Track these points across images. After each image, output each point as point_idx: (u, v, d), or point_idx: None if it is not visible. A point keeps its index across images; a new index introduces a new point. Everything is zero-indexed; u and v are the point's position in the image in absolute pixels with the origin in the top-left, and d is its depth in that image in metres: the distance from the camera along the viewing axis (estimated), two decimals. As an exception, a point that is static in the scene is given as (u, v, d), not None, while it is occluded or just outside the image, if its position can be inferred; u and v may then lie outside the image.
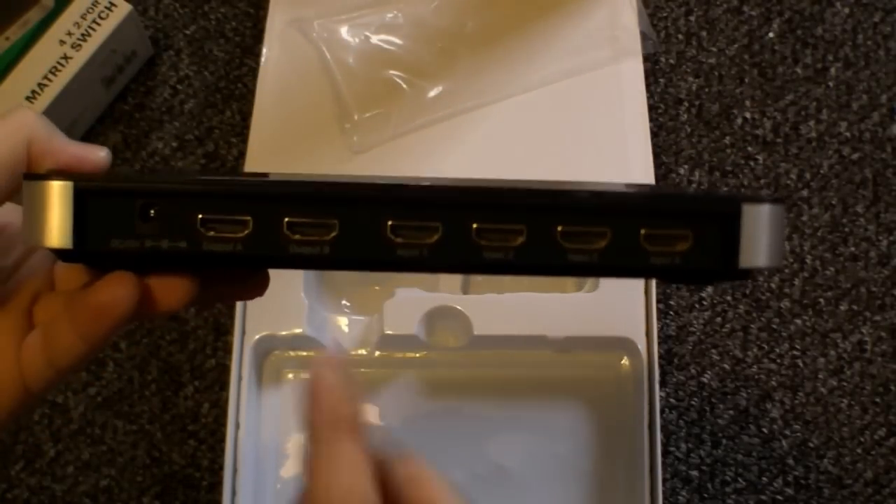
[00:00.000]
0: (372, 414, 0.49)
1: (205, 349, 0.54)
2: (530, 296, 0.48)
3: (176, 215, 0.28)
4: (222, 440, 0.47)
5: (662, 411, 0.52)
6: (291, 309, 0.48)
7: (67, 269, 0.31)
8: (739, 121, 0.58)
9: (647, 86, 0.55)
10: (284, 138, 0.52)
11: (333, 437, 0.29)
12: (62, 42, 0.55)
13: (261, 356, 0.48)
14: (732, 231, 0.29)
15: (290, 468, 0.48)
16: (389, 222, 0.28)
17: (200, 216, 0.28)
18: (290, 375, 0.49)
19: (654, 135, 0.57)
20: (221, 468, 0.47)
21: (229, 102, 0.59)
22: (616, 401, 0.48)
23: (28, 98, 0.54)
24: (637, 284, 0.48)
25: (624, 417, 0.48)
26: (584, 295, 0.49)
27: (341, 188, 0.29)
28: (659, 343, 0.49)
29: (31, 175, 0.29)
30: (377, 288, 0.51)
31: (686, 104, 0.59)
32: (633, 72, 0.53)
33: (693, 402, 0.53)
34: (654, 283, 0.49)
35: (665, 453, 0.52)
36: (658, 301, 0.52)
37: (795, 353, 0.54)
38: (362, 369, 0.49)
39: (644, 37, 0.55)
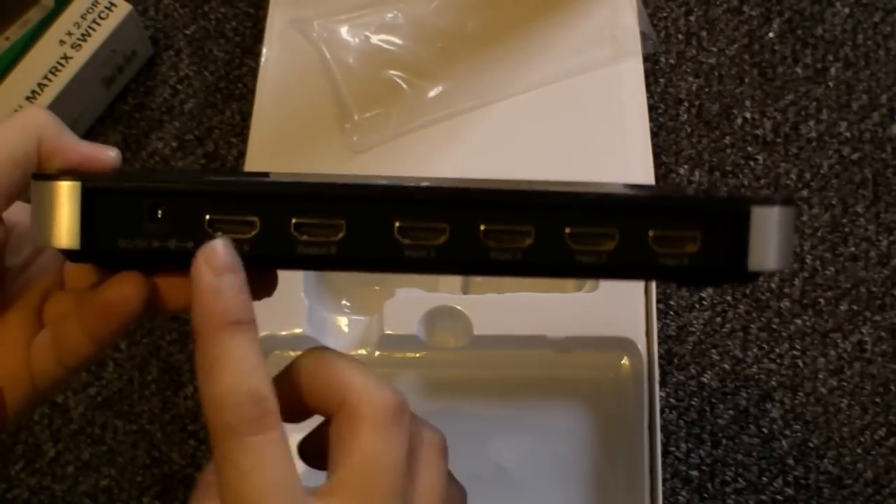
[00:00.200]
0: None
1: (205, 349, 0.54)
2: (530, 296, 0.48)
3: (183, 215, 0.28)
4: (222, 440, 0.47)
5: (662, 411, 0.52)
6: (291, 309, 0.48)
7: (77, 267, 0.31)
8: (739, 121, 0.58)
9: (647, 86, 0.55)
10: (284, 138, 0.52)
11: (217, 334, 0.27)
12: (62, 42, 0.55)
13: (261, 356, 0.48)
14: (741, 233, 0.28)
15: (290, 468, 0.48)
16: (397, 223, 0.28)
17: (208, 217, 0.28)
18: (290, 375, 0.49)
19: (654, 135, 0.57)
20: (221, 468, 0.46)
21: (229, 102, 0.59)
22: (616, 401, 0.48)
23: (28, 98, 0.54)
24: (637, 284, 0.48)
25: (624, 417, 0.48)
26: (584, 295, 0.49)
27: (349, 189, 0.29)
28: (659, 343, 0.49)
29: (40, 175, 0.29)
30: (377, 288, 0.51)
31: (686, 104, 0.59)
32: (633, 72, 0.53)
33: (693, 402, 0.53)
34: (654, 283, 0.49)
35: (665, 453, 0.52)
36: (658, 301, 0.52)
37: (795, 353, 0.54)
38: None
39: (644, 37, 0.55)
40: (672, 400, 0.53)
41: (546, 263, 0.29)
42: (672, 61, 0.60)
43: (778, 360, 0.54)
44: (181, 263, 0.29)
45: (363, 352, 0.49)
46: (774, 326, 0.54)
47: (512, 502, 0.48)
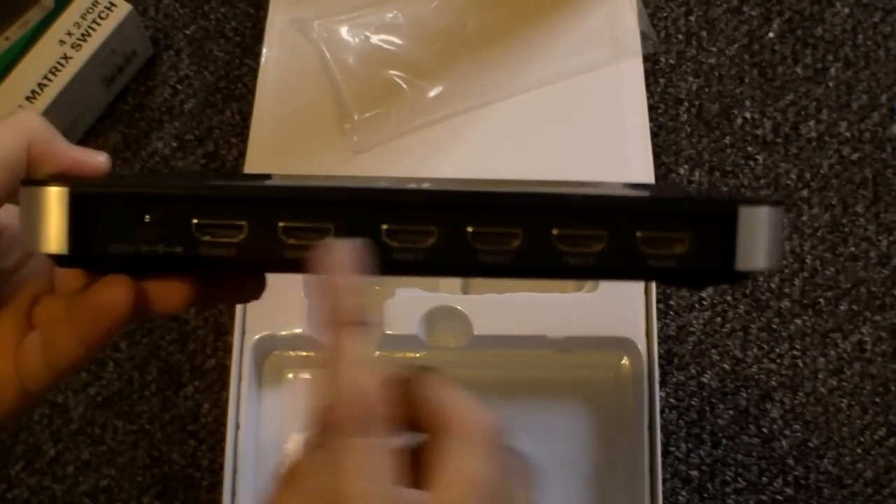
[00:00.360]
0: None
1: (205, 349, 0.54)
2: (530, 296, 0.48)
3: (171, 220, 0.28)
4: (222, 440, 0.47)
5: (662, 411, 0.52)
6: (291, 309, 0.48)
7: (67, 271, 0.31)
8: (739, 121, 0.58)
9: (647, 86, 0.55)
10: (284, 138, 0.52)
11: (346, 331, 0.28)
12: (62, 42, 0.55)
13: (261, 356, 0.48)
14: (729, 233, 0.28)
15: (290, 468, 0.48)
16: (384, 226, 0.28)
17: (196, 221, 0.28)
18: (290, 375, 0.49)
19: (654, 135, 0.57)
20: (221, 468, 0.47)
21: (229, 102, 0.59)
22: (616, 401, 0.48)
23: (28, 98, 0.54)
24: (637, 285, 0.48)
25: (624, 417, 0.48)
26: (584, 295, 0.49)
27: (336, 193, 0.29)
28: (659, 343, 0.49)
29: (28, 180, 0.29)
30: (377, 288, 0.51)
31: (686, 104, 0.59)
32: (633, 72, 0.53)
33: (693, 402, 0.53)
34: (654, 283, 0.49)
35: (665, 453, 0.52)
36: (658, 301, 0.52)
37: (795, 353, 0.54)
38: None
39: (644, 37, 0.55)
40: (672, 400, 0.53)
41: (534, 265, 0.29)
42: (672, 61, 0.60)
43: (778, 360, 0.54)
44: (170, 267, 0.29)
45: (363, 352, 0.49)
46: (774, 326, 0.54)
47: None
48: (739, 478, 0.52)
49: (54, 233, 0.28)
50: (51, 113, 0.54)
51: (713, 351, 0.54)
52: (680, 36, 0.60)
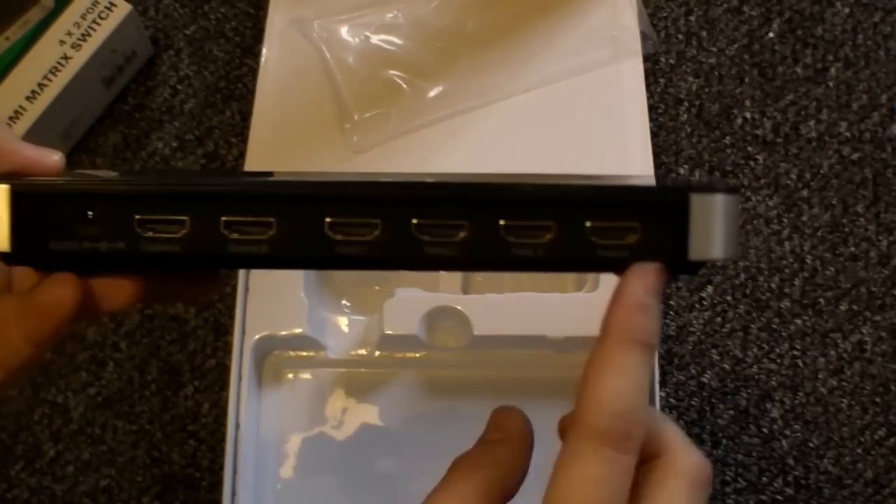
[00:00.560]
0: (371, 414, 0.49)
1: (205, 349, 0.54)
2: (530, 296, 0.48)
3: (113, 217, 0.28)
4: (222, 440, 0.47)
5: (662, 411, 0.52)
6: (291, 309, 0.48)
7: (23, 270, 0.31)
8: (739, 121, 0.58)
9: (647, 86, 0.55)
10: (284, 138, 0.52)
11: (628, 345, 0.28)
12: (62, 42, 0.55)
13: (261, 356, 0.48)
14: (681, 222, 0.28)
15: (290, 468, 0.48)
16: (328, 219, 0.28)
17: (137, 217, 0.28)
18: (290, 375, 0.49)
19: (654, 135, 0.57)
20: (221, 468, 0.46)
21: (229, 102, 0.59)
22: (616, 401, 0.48)
23: (28, 98, 0.54)
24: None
25: (624, 417, 0.48)
26: (584, 295, 0.49)
27: (276, 186, 0.29)
28: (659, 343, 0.49)
29: None
30: (377, 288, 0.51)
31: (686, 104, 0.59)
32: (633, 72, 0.53)
33: (693, 402, 0.53)
34: (660, 283, 0.49)
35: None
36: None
37: (795, 353, 0.54)
38: (362, 369, 0.49)
39: (644, 37, 0.55)
40: (672, 400, 0.53)
41: (482, 258, 0.28)
42: (672, 61, 0.60)
43: (778, 360, 0.54)
44: (114, 264, 0.29)
45: (363, 352, 0.49)
46: (774, 326, 0.54)
47: (511, 502, 0.48)
48: (739, 478, 0.52)
49: None
50: (51, 113, 0.54)
51: (713, 351, 0.54)
52: (680, 36, 0.60)
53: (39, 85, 0.54)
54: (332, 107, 0.53)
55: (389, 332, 0.47)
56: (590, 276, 0.49)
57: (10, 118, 0.53)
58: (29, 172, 0.30)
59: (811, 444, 0.52)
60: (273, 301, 0.48)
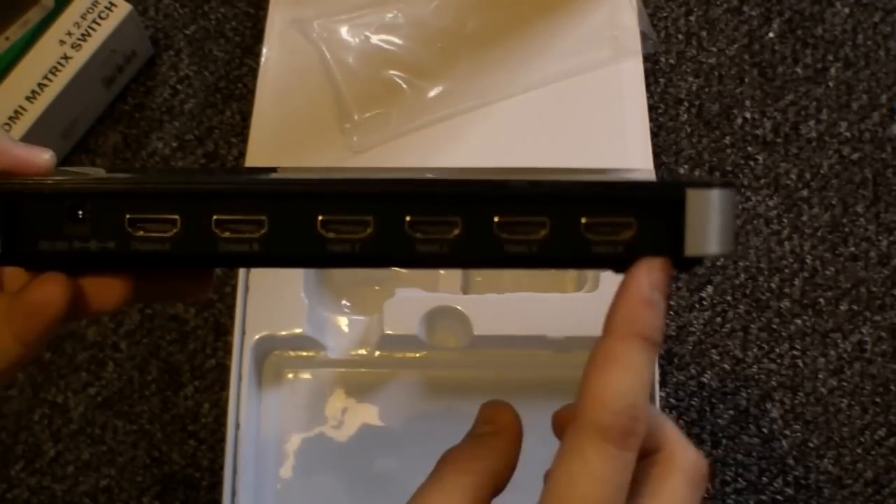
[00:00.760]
0: (371, 414, 0.49)
1: (205, 349, 0.54)
2: (530, 296, 0.48)
3: (103, 216, 0.28)
4: (222, 440, 0.47)
5: (662, 411, 0.52)
6: (291, 309, 0.48)
7: (14, 269, 0.31)
8: (739, 121, 0.58)
9: (647, 86, 0.55)
10: (284, 138, 0.52)
11: (631, 340, 0.27)
12: (62, 42, 0.55)
13: (261, 356, 0.48)
14: (677, 218, 0.27)
15: (290, 468, 0.48)
16: (320, 217, 0.28)
17: (128, 216, 0.28)
18: (290, 375, 0.49)
19: (654, 135, 0.57)
20: (221, 468, 0.46)
21: (229, 102, 0.59)
22: (616, 401, 0.48)
23: (28, 98, 0.54)
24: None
25: (624, 417, 0.48)
26: (585, 295, 0.49)
27: (268, 184, 0.29)
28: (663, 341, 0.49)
29: None
30: (377, 288, 0.51)
31: (686, 104, 0.59)
32: (633, 72, 0.53)
33: (693, 402, 0.53)
34: (667, 279, 0.49)
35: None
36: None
37: (795, 353, 0.54)
38: (362, 369, 0.49)
39: (644, 37, 0.55)
40: (672, 400, 0.53)
41: (475, 255, 0.28)
42: (672, 61, 0.60)
43: (778, 360, 0.54)
44: (104, 264, 0.29)
45: (363, 352, 0.49)
46: (774, 326, 0.54)
47: (511, 502, 0.48)
48: (739, 478, 0.52)
49: None
50: (51, 113, 0.54)
51: (713, 351, 0.54)
52: (680, 36, 0.60)
53: (39, 85, 0.54)
54: (332, 107, 0.53)
55: (389, 332, 0.47)
56: (590, 276, 0.49)
57: (10, 118, 0.53)
58: (19, 172, 0.30)
59: (811, 444, 0.52)
60: (273, 301, 0.48)
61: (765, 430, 0.53)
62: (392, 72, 0.54)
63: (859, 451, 0.52)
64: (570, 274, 0.51)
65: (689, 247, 0.28)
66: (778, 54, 0.60)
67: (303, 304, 0.48)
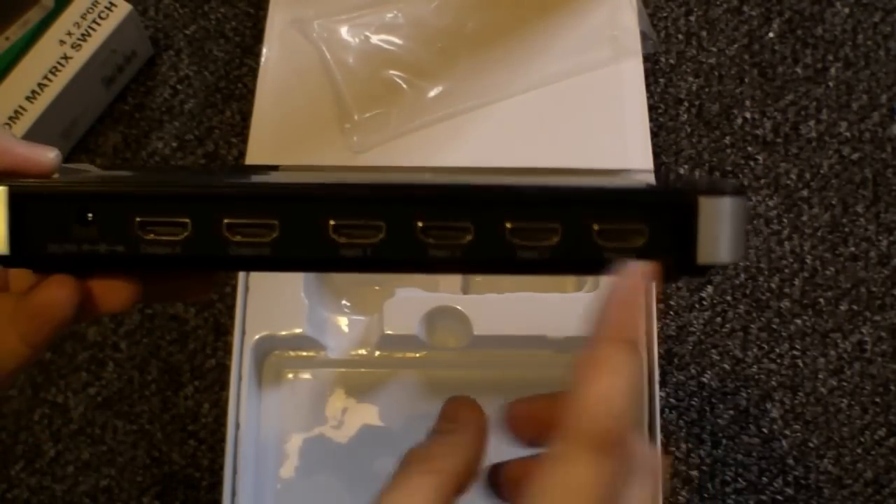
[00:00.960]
0: (372, 414, 0.49)
1: (205, 349, 0.54)
2: (530, 296, 0.48)
3: (113, 219, 0.28)
4: (222, 440, 0.47)
5: (662, 411, 0.52)
6: (291, 309, 0.48)
7: (19, 270, 0.31)
8: (739, 121, 0.58)
9: (647, 86, 0.55)
10: (284, 138, 0.52)
11: (619, 345, 0.27)
12: (62, 42, 0.55)
13: (261, 356, 0.48)
14: (689, 225, 0.27)
15: (290, 468, 0.48)
16: (331, 221, 0.28)
17: (138, 219, 0.28)
18: (290, 375, 0.49)
19: (654, 135, 0.57)
20: (221, 468, 0.46)
21: (229, 102, 0.59)
22: (616, 401, 0.48)
23: (28, 98, 0.54)
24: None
25: (624, 417, 0.48)
26: (585, 295, 0.49)
27: (280, 188, 0.28)
28: (659, 343, 0.49)
29: None
30: (377, 288, 0.51)
31: (686, 104, 0.59)
32: (633, 72, 0.53)
33: (693, 402, 0.53)
34: (654, 283, 0.49)
35: (665, 453, 0.52)
36: (658, 301, 0.52)
37: (795, 353, 0.54)
38: (362, 369, 0.49)
39: (644, 37, 0.55)
40: (672, 400, 0.53)
41: (487, 260, 0.28)
42: (672, 61, 0.60)
43: (778, 360, 0.54)
44: (113, 266, 0.29)
45: (363, 352, 0.49)
46: (774, 326, 0.54)
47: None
48: (739, 478, 0.52)
49: None
50: (51, 113, 0.54)
51: (713, 351, 0.54)
52: (680, 36, 0.60)
53: (39, 85, 0.54)
54: (332, 107, 0.53)
55: (389, 332, 0.47)
56: (590, 277, 0.49)
57: (10, 118, 0.53)
58: (23, 171, 0.29)
59: (811, 444, 0.52)
60: (273, 301, 0.48)
61: (765, 430, 0.53)
62: (392, 72, 0.54)
63: (859, 451, 0.52)
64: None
65: (701, 254, 0.28)
66: (778, 54, 0.60)
67: (303, 304, 0.48)
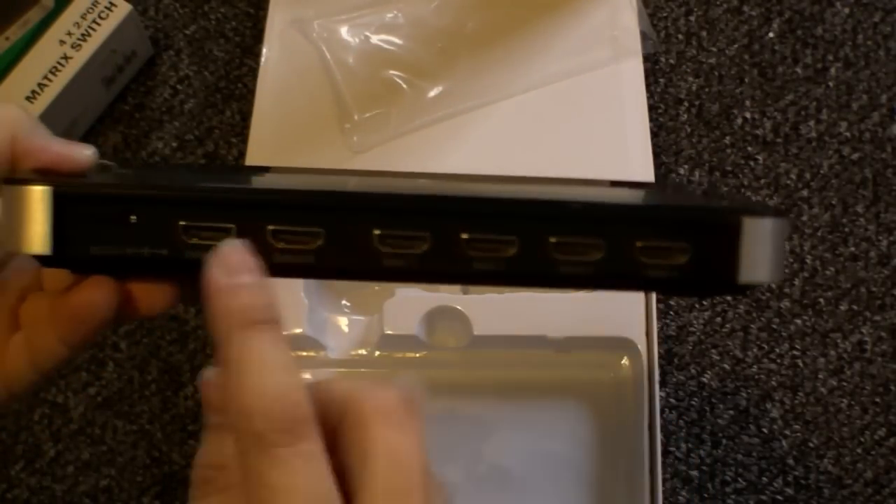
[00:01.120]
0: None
1: (205, 349, 0.54)
2: (530, 296, 0.48)
3: (157, 222, 0.28)
4: (222, 440, 0.47)
5: (662, 411, 0.52)
6: (291, 309, 0.48)
7: (55, 269, 0.31)
8: (739, 121, 0.58)
9: (647, 86, 0.55)
10: (284, 138, 0.52)
11: (237, 336, 0.25)
12: (62, 42, 0.55)
13: (261, 356, 0.48)
14: (732, 245, 0.28)
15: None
16: (376, 231, 0.28)
17: (182, 223, 0.28)
18: (290, 375, 0.49)
19: (654, 135, 0.57)
20: (221, 468, 0.46)
21: (229, 102, 0.59)
22: (616, 401, 0.48)
23: (28, 98, 0.54)
24: (637, 284, 0.48)
25: (624, 418, 0.48)
26: (584, 295, 0.49)
27: (327, 197, 0.28)
28: (659, 343, 0.49)
29: (10, 179, 0.28)
30: (377, 288, 0.51)
31: (686, 104, 0.59)
32: (633, 72, 0.53)
33: (693, 402, 0.53)
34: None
35: (665, 453, 0.52)
36: (658, 301, 0.52)
37: (795, 353, 0.54)
38: (362, 369, 0.49)
39: (644, 37, 0.55)
40: (672, 400, 0.53)
41: (529, 274, 0.28)
42: (672, 61, 0.60)
43: (778, 360, 0.54)
44: (156, 269, 0.28)
45: (363, 352, 0.49)
46: (774, 326, 0.54)
47: (511, 502, 0.48)
48: (739, 478, 0.52)
49: (37, 233, 0.27)
50: (51, 113, 0.54)
51: (713, 351, 0.54)
52: (680, 36, 0.60)
53: (39, 85, 0.54)
54: (332, 107, 0.53)
55: (389, 332, 0.47)
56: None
57: (10, 118, 0.53)
58: (58, 169, 0.29)
59: (811, 444, 0.52)
60: (273, 301, 0.48)
61: (765, 430, 0.53)
62: (392, 72, 0.54)
63: (859, 451, 0.52)
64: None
65: (744, 274, 0.28)
66: (778, 54, 0.60)
67: (303, 304, 0.48)
